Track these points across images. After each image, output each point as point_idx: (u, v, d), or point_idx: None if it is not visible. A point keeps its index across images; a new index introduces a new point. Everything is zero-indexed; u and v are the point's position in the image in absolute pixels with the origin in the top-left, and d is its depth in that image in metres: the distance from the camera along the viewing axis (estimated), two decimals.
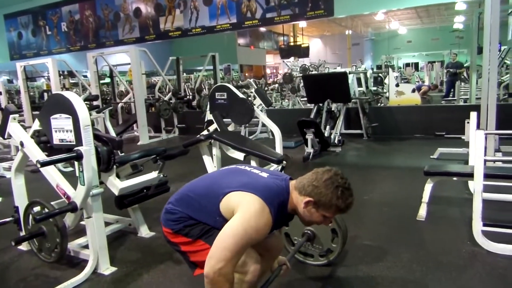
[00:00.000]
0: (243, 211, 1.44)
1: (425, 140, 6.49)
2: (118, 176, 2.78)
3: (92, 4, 8.31)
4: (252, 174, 1.64)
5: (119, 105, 9.44)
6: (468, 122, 4.68)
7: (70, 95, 2.39)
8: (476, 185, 2.71)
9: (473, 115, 3.58)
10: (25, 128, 2.78)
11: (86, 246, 2.65)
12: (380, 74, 11.15)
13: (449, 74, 11.43)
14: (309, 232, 2.26)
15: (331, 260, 2.32)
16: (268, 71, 26.66)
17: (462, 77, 11.55)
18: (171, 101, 8.65)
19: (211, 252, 1.40)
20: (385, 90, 9.28)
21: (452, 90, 11.06)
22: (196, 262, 1.61)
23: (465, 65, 11.82)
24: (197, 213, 1.57)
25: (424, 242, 2.74)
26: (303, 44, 17.10)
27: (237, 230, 1.40)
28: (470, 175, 2.85)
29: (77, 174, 2.29)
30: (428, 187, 3.29)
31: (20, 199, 2.78)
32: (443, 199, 3.55)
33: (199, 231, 1.57)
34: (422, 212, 3.19)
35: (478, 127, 3.67)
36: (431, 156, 5.14)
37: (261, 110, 4.75)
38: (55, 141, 2.47)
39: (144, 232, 3.10)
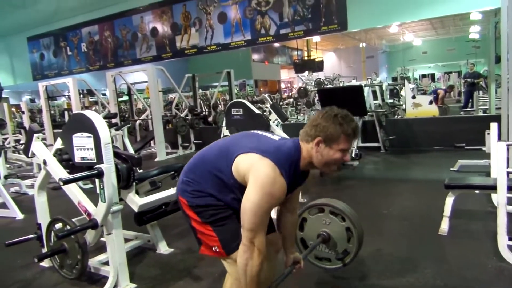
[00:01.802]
0: (255, 179, 1.45)
1: (444, 152, 6.37)
2: (137, 192, 2.82)
3: (110, 25, 8.56)
4: (262, 137, 1.64)
5: (137, 122, 9.61)
6: (488, 133, 4.58)
7: (91, 114, 2.45)
8: (500, 198, 2.64)
9: (494, 126, 3.51)
10: (46, 146, 2.86)
11: (106, 263, 2.67)
12: (396, 86, 11.07)
13: (467, 84, 11.28)
14: (324, 233, 2.22)
15: (348, 263, 2.25)
16: (282, 85, 26.77)
17: (481, 87, 11.37)
18: (187, 117, 8.76)
19: (242, 224, 1.47)
20: (401, 102, 9.20)
21: (470, 100, 10.89)
22: (201, 240, 1.64)
23: (483, 75, 11.65)
24: (209, 183, 1.58)
25: (447, 257, 2.67)
26: (317, 58, 17.14)
27: (253, 202, 1.43)
28: (493, 188, 2.78)
29: (98, 191, 2.34)
30: (449, 201, 3.22)
31: (43, 216, 2.84)
32: (466, 212, 3.47)
33: (209, 215, 1.58)
34: (444, 226, 3.11)
35: (499, 138, 3.60)
36: (452, 169, 5.04)
37: (277, 125, 4.76)
38: (77, 159, 2.53)
39: (163, 248, 3.11)
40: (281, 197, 1.49)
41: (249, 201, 1.44)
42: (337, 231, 2.19)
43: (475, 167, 4.88)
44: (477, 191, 3.42)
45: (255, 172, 1.46)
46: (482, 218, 3.31)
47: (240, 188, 1.53)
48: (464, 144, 6.20)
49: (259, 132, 1.71)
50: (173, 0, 7.56)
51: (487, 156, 4.32)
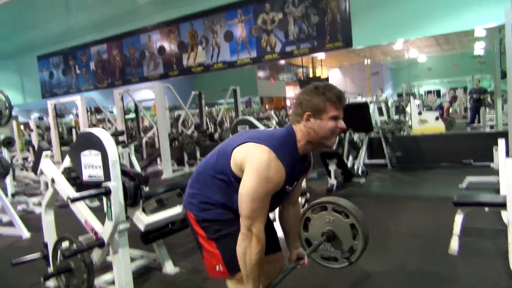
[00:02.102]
0: (250, 165, 1.44)
1: (452, 168, 6.32)
2: (143, 210, 2.82)
3: (119, 44, 8.72)
4: (257, 130, 1.68)
5: (144, 139, 9.68)
6: (496, 150, 4.55)
7: (99, 132, 2.48)
8: (510, 215, 2.60)
9: (501, 142, 3.49)
10: (54, 163, 2.88)
11: (112, 282, 2.65)
12: (401, 103, 11.09)
13: (473, 100, 11.26)
14: (328, 231, 2.19)
15: (354, 261, 2.20)
16: (288, 102, 26.91)
17: (487, 102, 11.35)
18: (193, 134, 8.81)
19: (240, 212, 1.46)
20: (407, 119, 9.19)
21: (477, 116, 10.85)
22: (206, 258, 1.62)
23: (489, 91, 11.64)
24: (213, 188, 1.57)
25: (458, 276, 2.62)
26: (322, 75, 17.27)
27: (249, 188, 1.42)
28: (503, 205, 2.74)
29: (105, 210, 2.34)
30: (458, 218, 3.17)
31: (50, 235, 2.84)
32: (475, 230, 3.41)
33: (214, 231, 1.57)
34: (454, 244, 3.06)
35: (507, 154, 3.56)
36: (460, 185, 4.98)
37: None
38: (85, 177, 2.54)
39: (169, 268, 3.08)
40: (279, 182, 1.46)
41: (245, 187, 1.43)
42: (342, 228, 2.15)
43: (483, 184, 4.83)
44: (486, 209, 3.37)
45: (250, 158, 1.45)
46: (492, 236, 3.26)
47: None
48: (471, 161, 6.16)
49: (253, 129, 1.74)
50: (180, 19, 7.70)
51: (495, 172, 4.27)
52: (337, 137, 6.26)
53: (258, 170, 1.42)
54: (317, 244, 2.13)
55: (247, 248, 1.45)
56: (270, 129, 1.68)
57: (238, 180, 1.50)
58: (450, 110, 14.70)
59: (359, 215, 2.11)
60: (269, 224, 1.79)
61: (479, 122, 10.27)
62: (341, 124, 1.54)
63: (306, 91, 1.54)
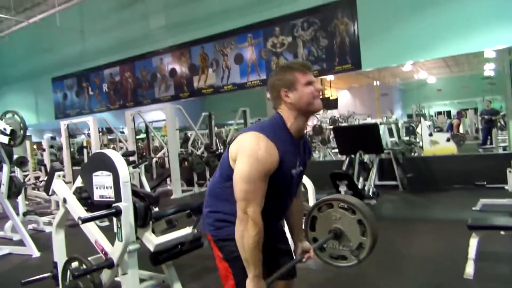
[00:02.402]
0: (241, 150, 1.47)
1: (464, 190, 6.21)
2: (153, 231, 2.81)
3: (131, 67, 8.91)
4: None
5: (154, 159, 9.74)
6: (510, 171, 4.49)
7: (111, 153, 2.51)
8: None
9: None
10: (66, 183, 2.91)
11: None
12: (411, 124, 11.04)
13: (485, 121, 11.17)
14: (335, 228, 2.13)
15: (362, 259, 2.12)
16: None
17: (499, 124, 11.24)
18: (203, 155, 8.85)
19: (235, 197, 1.46)
20: (418, 140, 9.13)
21: (489, 137, 10.73)
22: (223, 282, 1.59)
23: (500, 111, 11.55)
24: (224, 197, 1.56)
25: None
26: (331, 96, 17.34)
27: (241, 169, 1.43)
28: None
29: (115, 230, 2.34)
30: (473, 242, 3.10)
31: (59, 254, 2.85)
32: (491, 255, 3.33)
33: (229, 252, 1.54)
34: (469, 269, 2.98)
35: None
36: (473, 208, 4.89)
37: None
38: (96, 197, 2.56)
39: None
40: (272, 161, 1.45)
41: (237, 171, 1.45)
42: (349, 225, 2.10)
43: (498, 206, 4.73)
44: (502, 232, 3.29)
45: (241, 146, 1.48)
46: (509, 260, 3.18)
47: None
48: (485, 183, 6.05)
49: None
50: (191, 42, 7.88)
51: (510, 194, 4.20)
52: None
53: (247, 152, 1.44)
54: (324, 240, 2.09)
55: (244, 231, 1.44)
56: None
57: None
58: (461, 128, 14.55)
59: (366, 210, 2.07)
60: (287, 251, 1.78)
61: (491, 143, 10.15)
62: (318, 85, 1.58)
63: (274, 74, 1.60)
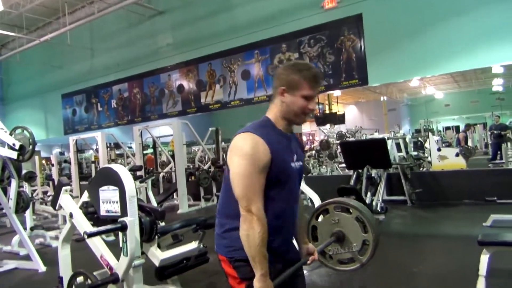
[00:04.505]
0: (231, 155, 1.49)
1: (475, 206, 6.11)
2: (159, 246, 2.80)
3: (140, 83, 9.04)
4: None
5: (161, 174, 9.76)
6: None
7: (118, 168, 2.52)
8: None
9: None
10: (73, 197, 2.93)
11: None
12: (419, 139, 10.96)
13: (494, 136, 11.06)
14: (337, 231, 2.10)
15: (370, 254, 2.08)
16: (304, 138, 26.96)
17: (508, 138, 11.12)
18: (210, 169, 8.85)
19: (236, 196, 1.46)
20: (426, 155, 9.05)
21: (498, 152, 10.61)
22: None
23: (509, 126, 11.44)
24: (231, 203, 1.53)
25: None
26: (338, 111, 17.35)
27: (235, 166, 1.45)
28: None
29: (121, 245, 2.34)
30: (484, 259, 3.02)
31: (65, 269, 2.84)
32: (503, 272, 3.25)
33: (248, 271, 1.48)
34: (480, 286, 2.91)
35: None
36: (484, 224, 4.79)
37: None
38: (102, 212, 2.56)
39: None
40: (264, 154, 1.45)
41: (232, 170, 1.47)
42: (348, 224, 2.10)
43: (509, 222, 4.64)
44: None
45: (230, 149, 1.50)
46: None
47: None
48: (495, 198, 5.95)
49: None
50: (199, 59, 7.99)
51: None
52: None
53: (238, 150, 1.46)
54: (327, 242, 2.06)
55: (249, 229, 1.42)
56: None
57: None
58: (469, 141, 14.43)
59: (360, 206, 2.07)
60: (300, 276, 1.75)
61: (501, 158, 10.03)
62: (312, 105, 1.57)
63: (286, 66, 1.58)
